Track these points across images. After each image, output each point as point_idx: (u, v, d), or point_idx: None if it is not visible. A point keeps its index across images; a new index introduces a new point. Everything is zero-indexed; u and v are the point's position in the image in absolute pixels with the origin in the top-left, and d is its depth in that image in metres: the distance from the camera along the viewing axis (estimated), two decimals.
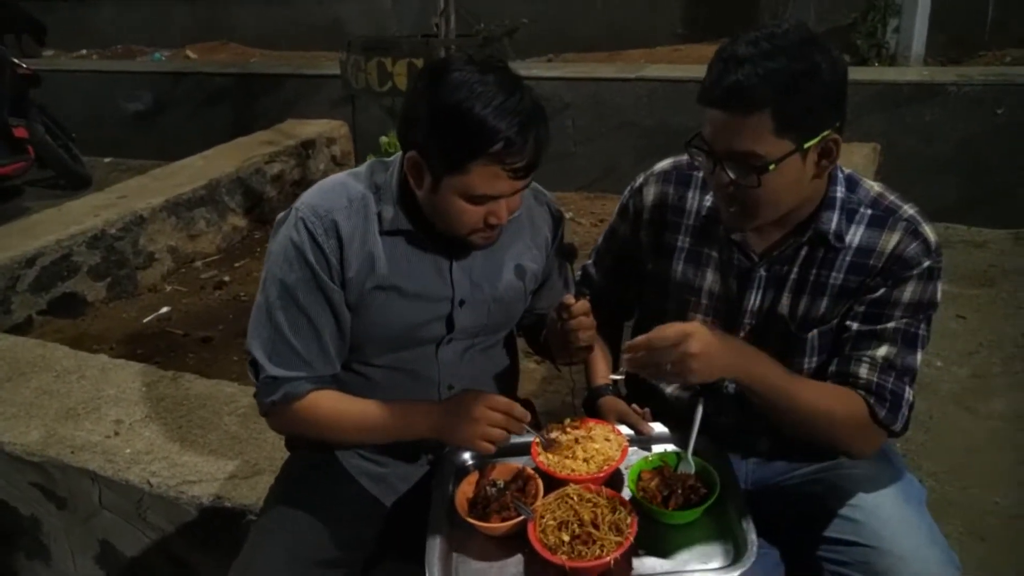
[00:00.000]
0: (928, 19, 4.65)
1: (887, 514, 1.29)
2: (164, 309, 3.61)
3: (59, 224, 3.61)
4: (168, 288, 3.86)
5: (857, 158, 3.83)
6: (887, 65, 4.75)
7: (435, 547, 1.28)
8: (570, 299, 1.36)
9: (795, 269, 1.35)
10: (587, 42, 6.10)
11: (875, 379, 1.30)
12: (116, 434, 1.97)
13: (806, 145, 1.18)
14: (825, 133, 1.19)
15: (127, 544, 1.93)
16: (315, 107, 5.46)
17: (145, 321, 3.51)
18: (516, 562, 1.27)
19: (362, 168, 1.44)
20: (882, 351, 1.31)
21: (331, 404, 1.40)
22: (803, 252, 1.34)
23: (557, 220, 1.57)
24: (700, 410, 1.42)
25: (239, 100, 5.85)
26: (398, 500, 1.50)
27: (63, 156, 5.42)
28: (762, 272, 1.37)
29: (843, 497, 1.34)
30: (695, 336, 1.20)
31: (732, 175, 1.22)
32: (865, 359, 1.31)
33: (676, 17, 6.04)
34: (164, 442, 1.93)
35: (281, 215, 1.41)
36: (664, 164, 1.50)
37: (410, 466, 1.51)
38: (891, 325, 1.30)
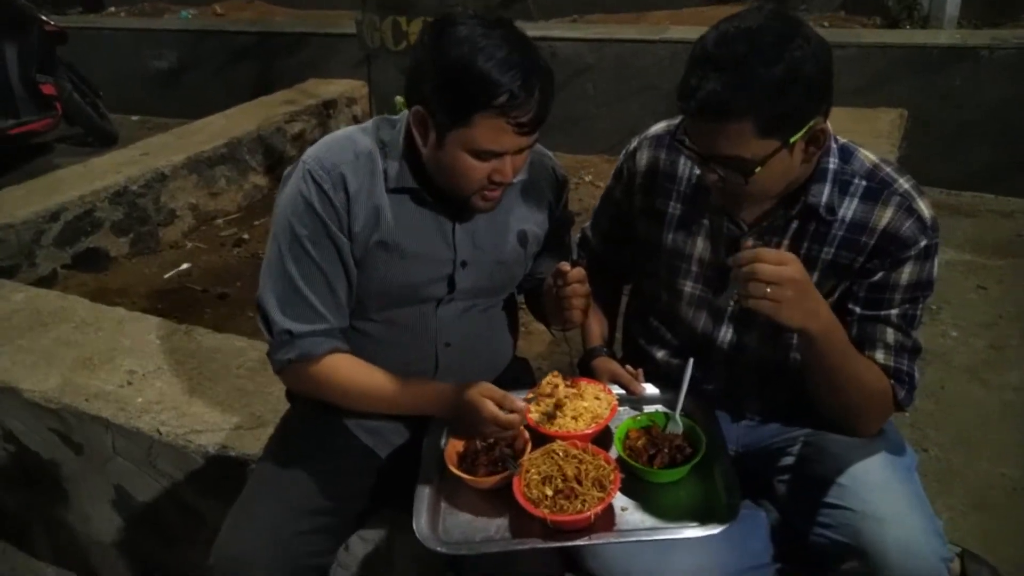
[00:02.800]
0: None
1: (873, 479, 1.29)
2: (184, 266, 3.67)
3: (83, 180, 3.67)
4: (189, 245, 3.92)
5: (882, 124, 3.75)
6: (919, 28, 4.61)
7: (423, 498, 1.32)
8: (565, 266, 1.36)
9: (785, 241, 1.34)
10: (613, 3, 5.99)
11: (892, 363, 1.31)
12: (129, 384, 2.02)
13: (792, 140, 1.17)
14: (811, 123, 1.17)
15: (139, 490, 1.99)
16: (337, 66, 5.45)
17: (166, 277, 3.57)
18: (502, 515, 1.30)
19: (368, 124, 1.45)
20: (891, 335, 1.31)
21: (347, 373, 1.39)
22: (794, 224, 1.33)
23: (561, 184, 1.56)
24: (689, 370, 1.42)
25: (262, 59, 5.86)
26: (392, 452, 1.54)
27: (91, 113, 5.48)
28: (751, 241, 1.36)
29: (831, 461, 1.35)
30: (796, 264, 1.17)
31: (720, 173, 1.21)
32: (879, 344, 1.32)
33: None
34: (174, 393, 1.98)
35: (288, 169, 1.42)
36: (657, 128, 1.49)
37: (405, 420, 1.54)
38: (895, 311, 1.30)
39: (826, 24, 5.02)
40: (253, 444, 1.77)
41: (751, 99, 1.11)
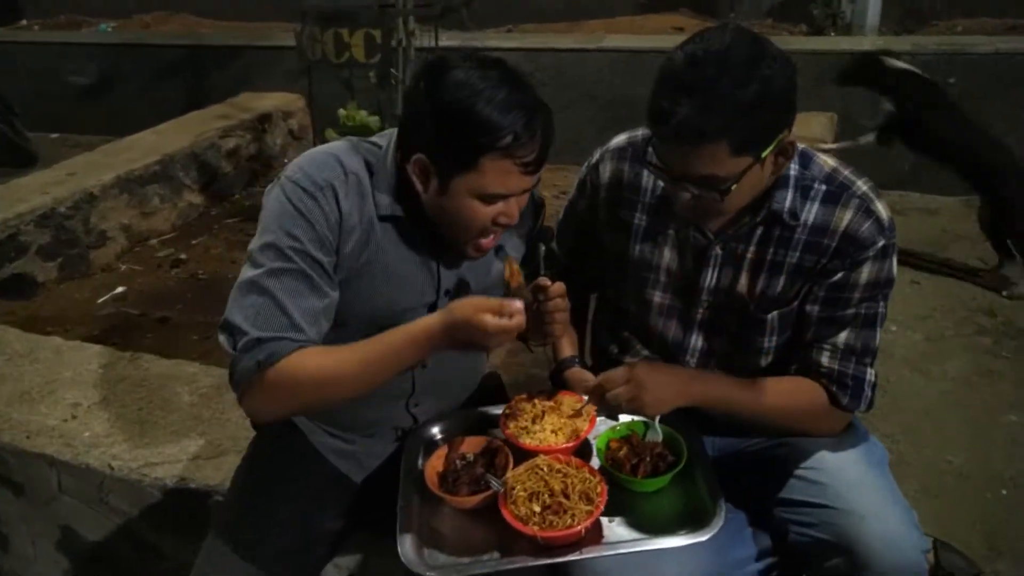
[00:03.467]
0: None
1: (850, 476, 1.32)
2: (119, 289, 3.52)
3: (5, 202, 3.47)
4: (123, 267, 3.76)
5: (815, 127, 3.88)
6: (843, 35, 4.79)
7: (406, 522, 1.28)
8: (546, 281, 1.34)
9: (751, 248, 1.36)
10: (546, 13, 6.04)
11: (836, 367, 1.34)
12: (74, 417, 1.93)
13: (763, 155, 1.19)
14: (780, 137, 1.19)
15: (89, 529, 1.89)
16: (271, 80, 5.32)
17: (100, 302, 3.42)
18: (488, 534, 1.28)
19: (347, 143, 1.37)
20: (842, 337, 1.34)
21: (321, 358, 1.24)
22: (759, 231, 1.34)
23: (539, 207, 1.56)
24: None
25: (191, 73, 5.69)
26: (367, 476, 1.50)
27: (6, 132, 5.23)
28: (717, 250, 1.37)
29: (807, 461, 1.37)
30: (638, 374, 1.28)
31: (693, 192, 1.22)
32: (826, 347, 1.34)
33: None
34: (124, 424, 1.89)
35: (270, 186, 1.33)
36: (619, 140, 1.49)
37: (379, 442, 1.51)
38: (851, 311, 1.32)
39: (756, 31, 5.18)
40: (214, 474, 1.70)
41: (726, 122, 1.12)
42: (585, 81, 4.61)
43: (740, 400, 1.35)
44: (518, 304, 1.21)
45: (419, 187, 1.28)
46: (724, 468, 1.45)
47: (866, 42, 4.46)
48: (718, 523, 1.24)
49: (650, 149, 1.28)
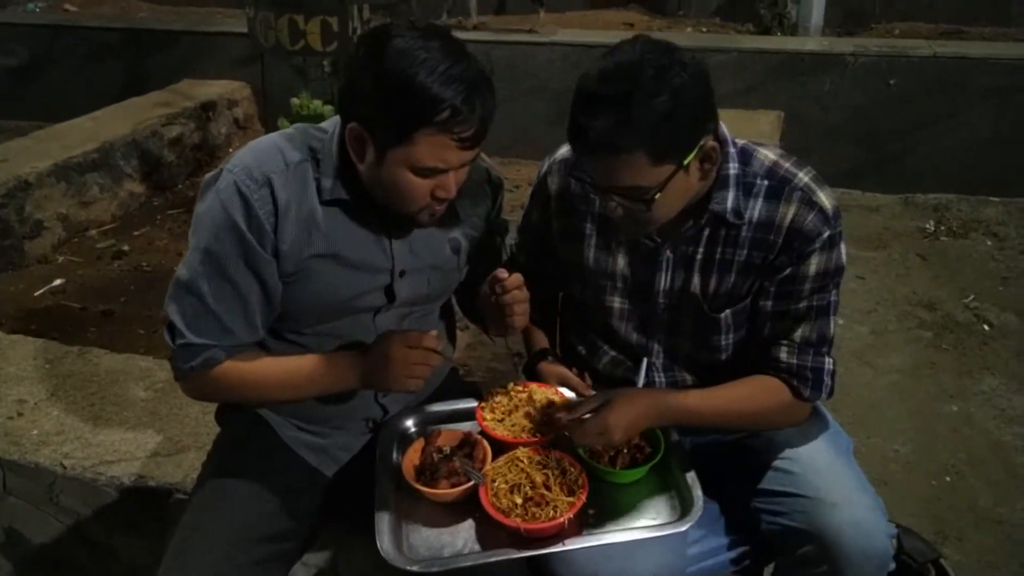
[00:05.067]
0: None
1: (819, 465, 1.35)
2: (57, 281, 3.38)
3: None
4: (60, 259, 3.61)
5: (763, 125, 3.96)
6: (788, 35, 4.91)
7: (384, 516, 1.27)
8: (503, 273, 1.33)
9: (700, 249, 1.36)
10: (496, 5, 6.02)
11: (795, 361, 1.35)
12: (20, 415, 1.84)
13: (685, 162, 1.20)
14: (701, 143, 1.21)
15: (37, 531, 1.81)
16: (213, 67, 5.17)
17: (37, 294, 3.27)
18: (468, 527, 1.27)
19: (292, 131, 1.36)
20: (798, 331, 1.35)
21: (253, 366, 1.33)
22: (706, 232, 1.35)
23: (496, 187, 1.53)
24: (643, 371, 1.44)
25: (129, 58, 5.47)
26: (339, 470, 1.47)
27: None
28: (668, 253, 1.38)
29: (778, 451, 1.40)
30: (608, 421, 1.28)
31: (622, 203, 1.24)
32: (783, 343, 1.36)
33: None
34: (75, 421, 1.81)
35: (209, 176, 1.31)
36: (564, 150, 1.48)
37: (350, 435, 1.48)
38: (803, 303, 1.33)
39: (704, 30, 5.27)
40: (175, 472, 1.65)
41: (640, 133, 1.14)
42: (538, 74, 4.61)
43: (706, 412, 1.36)
44: (430, 340, 1.30)
45: (355, 158, 1.25)
46: (696, 458, 1.47)
47: (811, 42, 4.57)
48: (696, 513, 1.26)
49: (580, 163, 1.29)
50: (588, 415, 1.29)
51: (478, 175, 1.49)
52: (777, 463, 1.38)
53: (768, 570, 1.51)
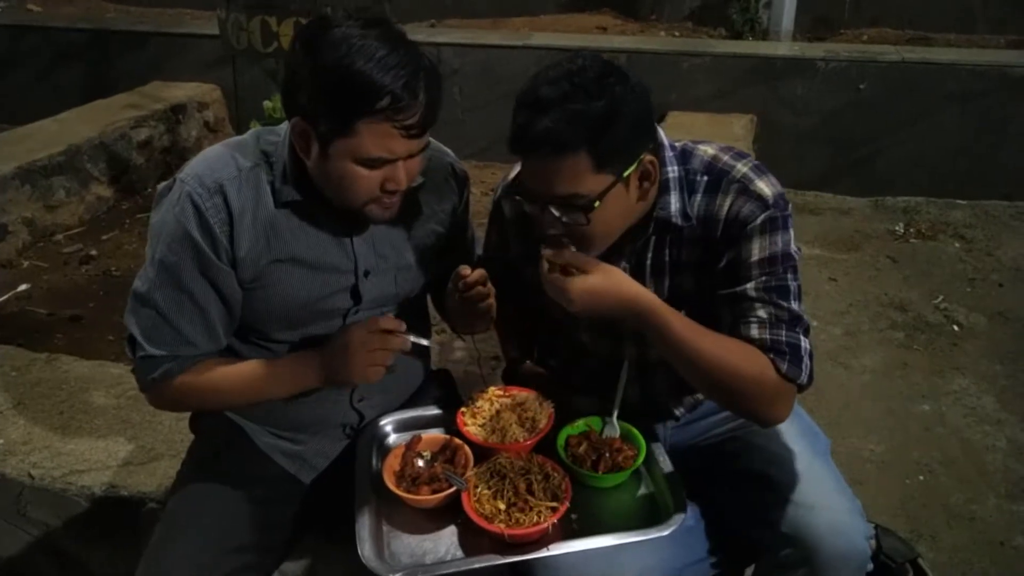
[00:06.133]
0: None
1: (798, 467, 1.35)
2: (23, 287, 3.30)
3: None
4: (25, 264, 3.52)
5: (736, 128, 4.00)
6: (760, 40, 4.96)
7: (364, 523, 1.25)
8: (465, 270, 1.32)
9: (649, 254, 1.36)
10: (469, 9, 6.01)
11: (768, 335, 1.25)
12: None
13: (625, 174, 1.20)
14: (641, 157, 1.22)
15: (3, 544, 1.76)
16: (182, 69, 5.09)
17: (1, 300, 3.19)
18: (450, 533, 1.26)
19: (247, 136, 1.34)
20: (761, 309, 1.27)
21: (214, 374, 1.31)
22: (653, 238, 1.35)
23: (462, 182, 1.51)
24: (624, 374, 1.44)
25: (95, 59, 5.37)
26: (316, 478, 1.45)
27: None
28: (624, 264, 1.36)
29: (757, 452, 1.40)
30: (577, 282, 1.22)
31: (560, 216, 1.22)
32: (751, 320, 1.27)
33: None
34: (43, 430, 1.77)
35: (163, 186, 1.29)
36: (515, 172, 1.46)
37: (327, 441, 1.46)
38: (752, 284, 1.27)
39: (676, 34, 5.30)
40: (148, 480, 1.61)
41: (582, 130, 1.14)
42: (512, 78, 4.60)
43: (683, 339, 1.23)
44: (389, 322, 1.28)
45: (301, 153, 1.23)
46: (676, 462, 1.47)
47: (783, 47, 4.62)
48: (679, 517, 1.26)
49: (517, 179, 1.28)
50: (567, 270, 1.23)
51: (442, 170, 1.47)
52: (756, 466, 1.38)
53: (748, 571, 1.51)
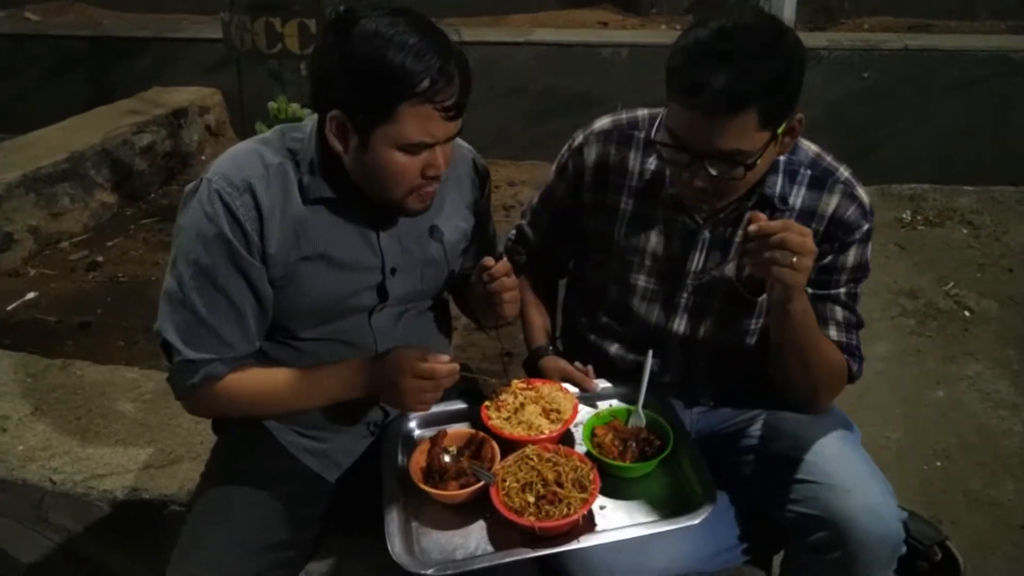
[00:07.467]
0: None
1: (829, 451, 1.34)
2: (30, 295, 3.29)
3: None
4: (32, 272, 3.52)
5: None
6: None
7: (393, 520, 1.24)
8: (489, 261, 1.33)
9: (739, 232, 1.37)
10: (469, 6, 5.99)
11: (844, 339, 1.38)
12: (3, 431, 1.78)
13: (779, 131, 1.20)
14: (791, 115, 1.21)
15: (25, 550, 1.75)
16: (182, 73, 5.08)
17: (10, 308, 3.19)
18: (479, 528, 1.25)
19: (272, 134, 1.35)
20: (840, 313, 1.38)
21: (256, 378, 1.32)
22: (747, 215, 1.34)
23: (483, 176, 1.52)
24: (649, 363, 1.43)
25: (95, 66, 5.36)
26: (342, 475, 1.44)
27: None
28: (706, 234, 1.38)
29: (786, 438, 1.39)
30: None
31: (714, 172, 1.21)
32: (831, 322, 1.38)
33: None
34: (63, 436, 1.76)
35: (190, 187, 1.29)
36: (603, 123, 1.48)
37: (352, 439, 1.45)
38: (842, 291, 1.37)
39: (677, 27, 5.28)
40: (169, 483, 1.60)
41: (760, 89, 1.13)
42: (515, 74, 4.60)
43: (813, 326, 1.31)
44: (444, 369, 1.28)
45: (339, 147, 1.23)
46: (704, 449, 1.46)
47: None
48: (709, 505, 1.25)
49: (662, 131, 1.27)
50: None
51: (464, 165, 1.48)
52: (786, 451, 1.38)
53: (777, 559, 1.51)
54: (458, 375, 1.31)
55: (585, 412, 1.44)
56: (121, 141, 4.18)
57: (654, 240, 1.42)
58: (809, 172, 1.35)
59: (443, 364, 1.28)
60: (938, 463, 2.38)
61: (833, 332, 1.38)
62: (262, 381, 1.33)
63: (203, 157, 4.71)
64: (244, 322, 1.29)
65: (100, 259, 3.61)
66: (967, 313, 3.16)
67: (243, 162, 1.27)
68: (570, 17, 5.55)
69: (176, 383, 1.30)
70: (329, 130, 1.22)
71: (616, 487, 1.30)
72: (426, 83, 1.14)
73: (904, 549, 1.33)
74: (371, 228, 1.34)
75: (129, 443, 1.72)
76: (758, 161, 1.20)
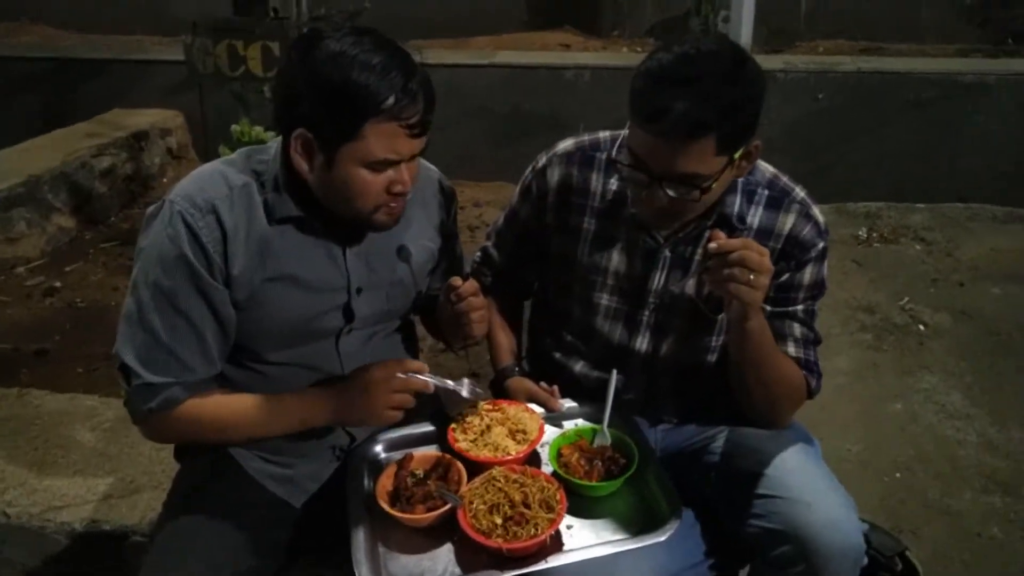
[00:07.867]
0: (753, 11, 4.98)
1: (790, 465, 1.37)
2: None
3: None
4: None
5: None
6: None
7: (360, 545, 1.23)
8: (457, 281, 1.35)
9: (699, 250, 1.40)
10: (430, 28, 6.03)
11: (803, 355, 1.42)
12: None
13: (736, 156, 1.23)
14: (748, 140, 1.25)
15: None
16: (143, 96, 5.04)
17: None
18: (447, 551, 1.25)
19: (236, 156, 1.35)
20: (798, 330, 1.42)
21: (219, 404, 1.31)
22: (706, 234, 1.38)
23: (450, 197, 1.54)
24: (613, 382, 1.45)
25: (53, 88, 5.28)
26: (308, 502, 1.43)
27: None
28: (667, 253, 1.41)
29: (748, 454, 1.42)
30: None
31: (671, 193, 1.24)
32: (789, 339, 1.41)
33: (521, 4, 6.11)
34: (17, 467, 1.72)
35: (152, 208, 1.29)
36: (567, 145, 1.50)
37: (317, 464, 1.44)
38: (800, 307, 1.41)
39: (639, 49, 5.38)
40: (130, 513, 1.57)
41: (718, 116, 1.16)
42: (478, 96, 4.64)
43: (770, 343, 1.34)
44: (413, 365, 1.31)
45: (303, 167, 1.24)
46: (669, 467, 1.48)
47: None
48: (675, 522, 1.26)
49: (623, 151, 1.29)
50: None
51: (430, 186, 1.50)
52: (748, 467, 1.40)
53: (743, 573, 1.52)
54: (427, 371, 1.33)
55: (551, 432, 1.45)
56: (80, 164, 4.12)
57: (616, 259, 1.44)
58: (766, 192, 1.38)
59: (410, 360, 1.32)
60: (897, 474, 2.42)
61: (792, 348, 1.41)
62: (224, 407, 1.32)
63: (165, 180, 4.65)
64: (205, 346, 1.28)
65: (58, 284, 3.54)
66: (922, 327, 3.24)
67: (207, 183, 1.27)
68: (532, 39, 5.62)
69: (133, 407, 1.28)
70: (294, 149, 1.22)
71: (583, 506, 1.31)
72: (391, 101, 1.16)
73: (866, 561, 1.36)
74: (337, 245, 1.34)
75: (88, 473, 1.69)
76: (714, 184, 1.23)
